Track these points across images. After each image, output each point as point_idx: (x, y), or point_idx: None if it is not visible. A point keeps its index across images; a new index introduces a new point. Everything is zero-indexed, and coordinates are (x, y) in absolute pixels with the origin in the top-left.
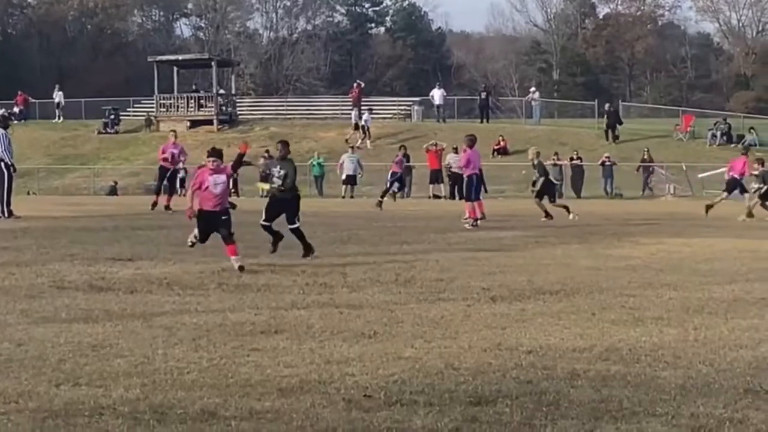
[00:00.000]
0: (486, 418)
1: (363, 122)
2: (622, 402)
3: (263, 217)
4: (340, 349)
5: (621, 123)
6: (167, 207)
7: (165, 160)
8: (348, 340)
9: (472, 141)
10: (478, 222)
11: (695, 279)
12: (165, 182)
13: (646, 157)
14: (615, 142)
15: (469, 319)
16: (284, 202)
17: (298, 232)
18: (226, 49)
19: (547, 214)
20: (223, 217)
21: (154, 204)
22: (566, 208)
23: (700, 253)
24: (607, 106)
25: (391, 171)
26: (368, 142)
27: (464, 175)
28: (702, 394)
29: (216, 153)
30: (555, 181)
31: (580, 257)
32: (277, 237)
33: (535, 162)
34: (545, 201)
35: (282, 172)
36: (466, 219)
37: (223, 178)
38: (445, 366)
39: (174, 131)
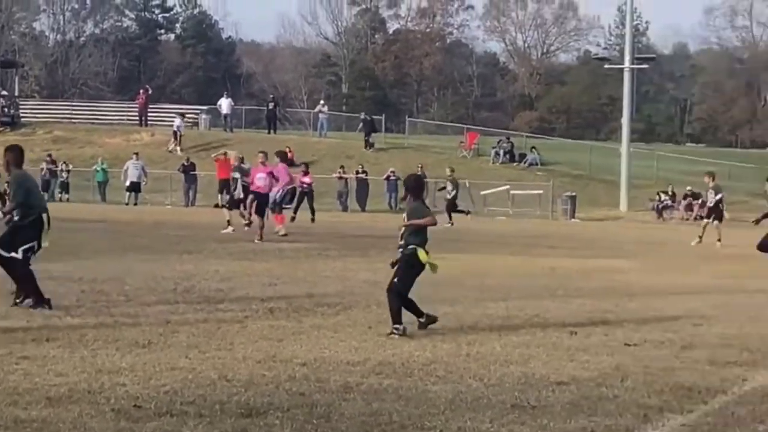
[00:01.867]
0: (256, 430)
1: (175, 128)
2: (392, 415)
3: None
4: (112, 359)
5: (376, 131)
6: None
7: None
8: (121, 349)
9: (285, 155)
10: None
11: (471, 295)
12: None
13: (420, 173)
14: (370, 150)
15: (245, 330)
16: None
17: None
18: (11, 50)
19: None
20: None
21: None
22: None
23: (478, 269)
24: (362, 115)
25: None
26: (178, 148)
27: (274, 189)
28: (471, 408)
29: None
30: None
31: (359, 270)
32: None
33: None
34: None
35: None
36: (277, 230)
37: None
38: (219, 377)
39: None
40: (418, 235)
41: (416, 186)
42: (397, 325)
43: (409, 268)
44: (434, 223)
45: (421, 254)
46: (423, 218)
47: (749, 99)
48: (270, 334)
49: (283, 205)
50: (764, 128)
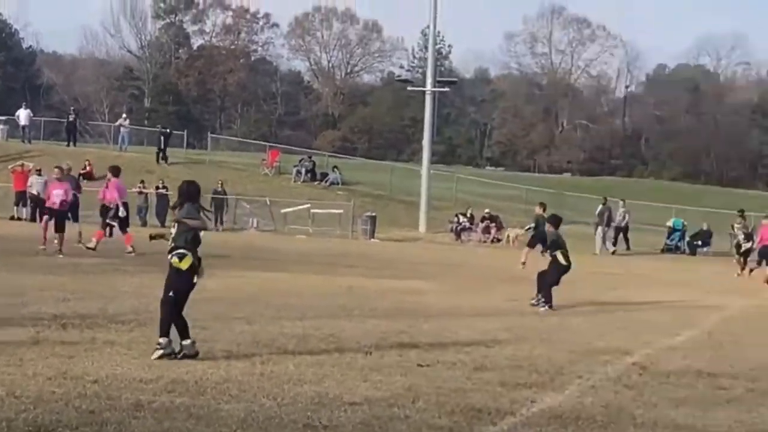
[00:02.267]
0: None
1: None
2: None
3: None
4: None
5: (168, 145)
6: None
7: None
8: None
9: (117, 170)
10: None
11: (269, 313)
12: None
13: (219, 189)
14: (167, 164)
15: (37, 345)
16: None
17: None
18: None
19: None
20: None
21: None
22: None
23: (276, 287)
24: (159, 127)
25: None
26: None
27: (115, 204)
28: (262, 428)
29: None
30: None
31: (156, 287)
32: None
33: None
34: None
35: None
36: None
37: None
38: (7, 394)
39: None
40: (189, 237)
41: (189, 190)
42: (162, 339)
43: (178, 276)
44: (205, 228)
45: (186, 261)
46: (194, 220)
47: (547, 125)
48: (61, 351)
49: (108, 221)
50: (561, 154)
